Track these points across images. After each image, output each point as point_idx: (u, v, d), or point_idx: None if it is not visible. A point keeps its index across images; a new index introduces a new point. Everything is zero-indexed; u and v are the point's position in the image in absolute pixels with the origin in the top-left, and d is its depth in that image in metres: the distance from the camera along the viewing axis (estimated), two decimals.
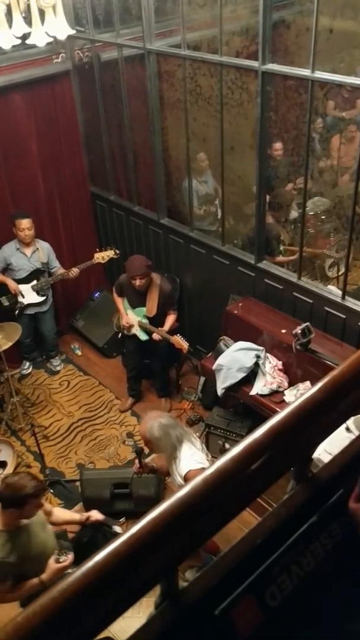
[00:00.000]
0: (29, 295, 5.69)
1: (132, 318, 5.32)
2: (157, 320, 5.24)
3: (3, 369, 5.26)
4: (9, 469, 5.09)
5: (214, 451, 4.74)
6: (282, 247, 5.40)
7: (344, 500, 1.14)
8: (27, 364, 6.28)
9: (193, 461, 3.29)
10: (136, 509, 4.53)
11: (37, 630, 0.76)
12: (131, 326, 5.33)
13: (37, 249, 5.65)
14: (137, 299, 5.24)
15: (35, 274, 5.68)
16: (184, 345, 5.06)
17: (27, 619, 0.77)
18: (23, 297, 5.64)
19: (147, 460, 3.84)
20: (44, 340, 6.18)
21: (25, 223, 5.48)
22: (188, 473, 3.25)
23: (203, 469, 0.97)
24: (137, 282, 5.05)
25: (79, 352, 6.48)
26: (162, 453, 3.52)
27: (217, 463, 0.95)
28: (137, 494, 4.54)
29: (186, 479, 3.25)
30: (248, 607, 1.00)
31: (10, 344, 4.94)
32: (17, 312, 5.65)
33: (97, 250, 5.82)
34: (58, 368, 6.30)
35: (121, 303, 5.38)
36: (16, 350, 5.84)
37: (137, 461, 3.69)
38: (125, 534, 0.85)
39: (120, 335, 5.62)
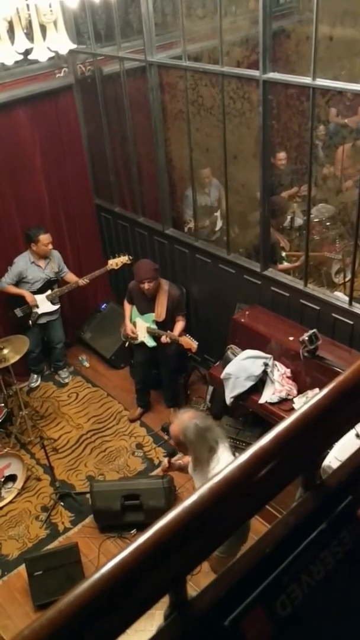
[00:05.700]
0: (43, 305, 5.74)
1: (141, 325, 5.31)
2: (165, 327, 5.24)
3: (11, 382, 5.26)
4: (19, 483, 5.08)
5: None
6: (283, 254, 5.39)
7: (353, 507, 1.13)
8: (35, 376, 6.28)
9: None
10: (147, 520, 4.51)
11: None
12: (135, 336, 5.32)
13: (50, 259, 5.69)
14: (146, 305, 5.25)
15: (49, 284, 5.75)
16: (193, 344, 5.00)
17: (34, 632, 0.76)
18: (38, 307, 5.69)
19: (174, 459, 3.81)
20: (52, 350, 6.19)
21: (48, 238, 5.54)
22: None
23: None
24: (146, 286, 5.06)
25: (86, 364, 6.49)
26: (193, 455, 3.38)
27: (224, 471, 0.95)
28: (147, 505, 4.52)
29: None
30: (258, 617, 0.99)
31: (17, 357, 4.95)
32: (31, 322, 5.69)
33: (110, 257, 5.85)
34: (66, 380, 6.30)
35: (129, 310, 5.39)
36: (24, 363, 5.85)
37: (166, 460, 3.70)
38: (133, 543, 0.85)
39: (127, 344, 5.61)
